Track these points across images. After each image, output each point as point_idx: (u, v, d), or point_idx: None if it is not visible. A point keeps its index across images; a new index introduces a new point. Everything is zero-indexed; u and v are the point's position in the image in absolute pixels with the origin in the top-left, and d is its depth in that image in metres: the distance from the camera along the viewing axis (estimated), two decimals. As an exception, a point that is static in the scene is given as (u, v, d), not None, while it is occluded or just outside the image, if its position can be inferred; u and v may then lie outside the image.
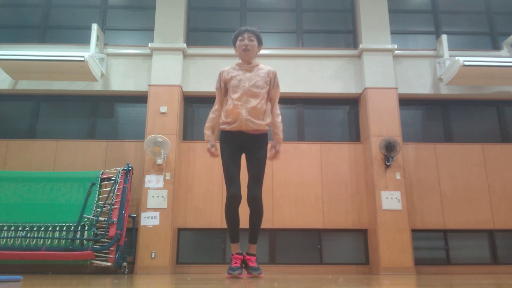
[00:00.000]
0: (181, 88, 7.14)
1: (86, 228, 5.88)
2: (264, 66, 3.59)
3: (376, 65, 7.23)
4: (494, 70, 6.75)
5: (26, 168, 6.79)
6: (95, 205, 6.09)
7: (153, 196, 6.53)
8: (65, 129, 7.33)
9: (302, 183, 6.96)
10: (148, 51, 7.34)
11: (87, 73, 6.71)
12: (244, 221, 3.50)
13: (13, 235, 5.80)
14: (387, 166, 6.69)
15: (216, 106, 3.58)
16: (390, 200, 6.57)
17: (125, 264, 6.00)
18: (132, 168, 6.51)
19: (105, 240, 5.83)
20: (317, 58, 7.49)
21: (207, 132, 3.57)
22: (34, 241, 5.77)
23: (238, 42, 3.53)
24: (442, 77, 7.26)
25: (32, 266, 6.04)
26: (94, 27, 7.14)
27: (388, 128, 6.88)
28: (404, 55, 7.49)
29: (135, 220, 6.47)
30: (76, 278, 3.98)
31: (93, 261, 5.75)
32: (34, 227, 5.87)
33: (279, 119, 3.57)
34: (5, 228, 5.86)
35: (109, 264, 5.76)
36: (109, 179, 6.40)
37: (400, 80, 7.34)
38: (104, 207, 6.06)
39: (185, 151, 7.08)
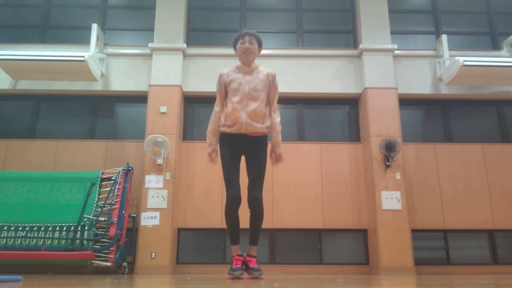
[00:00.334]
0: (181, 88, 7.15)
1: (86, 228, 5.88)
2: (263, 69, 3.59)
3: (376, 65, 7.24)
4: (494, 70, 6.75)
5: (26, 168, 6.79)
6: (95, 205, 6.09)
7: (153, 196, 6.53)
8: (65, 129, 7.33)
9: (302, 183, 6.96)
10: (148, 51, 7.34)
11: (87, 73, 6.71)
12: (244, 222, 3.50)
13: (13, 235, 5.80)
14: (387, 166, 6.69)
15: (217, 108, 3.57)
16: (390, 200, 6.57)
17: (125, 264, 6.00)
18: (132, 168, 6.51)
19: (105, 240, 5.83)
20: (317, 58, 7.49)
21: (210, 136, 3.54)
22: (34, 241, 5.77)
23: (238, 45, 3.54)
24: (442, 77, 7.26)
25: (32, 266, 6.04)
26: (94, 27, 7.14)
27: (388, 128, 6.88)
28: (404, 55, 7.49)
29: (135, 220, 6.47)
30: (76, 278, 3.98)
31: (93, 261, 5.75)
32: (34, 227, 5.87)
33: (278, 120, 3.54)
34: (5, 228, 5.86)
35: (109, 264, 5.76)
36: (109, 179, 6.40)
37: (400, 80, 7.34)
38: (104, 207, 6.06)
39: (185, 151, 7.08)
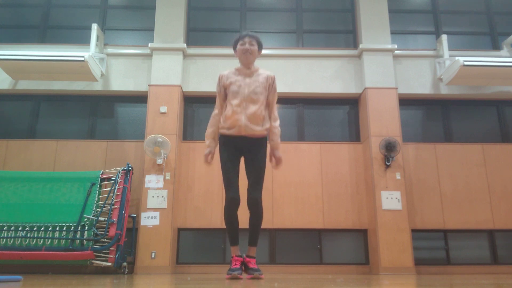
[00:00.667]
0: (181, 88, 7.15)
1: (86, 228, 5.88)
2: (263, 71, 3.58)
3: (376, 65, 7.24)
4: (494, 70, 6.75)
5: (26, 168, 6.79)
6: (95, 205, 6.09)
7: (153, 196, 6.53)
8: (65, 129, 7.33)
9: (302, 183, 6.96)
10: (148, 51, 7.34)
11: (87, 73, 6.71)
12: (243, 222, 3.50)
13: (13, 235, 5.80)
14: (387, 166, 6.69)
15: (216, 111, 3.56)
16: (390, 200, 6.57)
17: (125, 264, 6.00)
18: (132, 168, 6.51)
19: (105, 240, 5.83)
20: (317, 58, 7.49)
21: (209, 138, 3.53)
22: (34, 241, 5.77)
23: (238, 46, 3.53)
24: (442, 77, 7.26)
25: (32, 266, 6.04)
26: (94, 27, 7.14)
27: (388, 128, 6.88)
28: (404, 55, 7.49)
29: (135, 220, 6.47)
30: (76, 278, 3.98)
31: (93, 261, 5.75)
32: (34, 227, 5.87)
33: (277, 123, 3.53)
34: (5, 228, 5.86)
35: (109, 264, 5.76)
36: (109, 179, 6.40)
37: (400, 80, 7.34)
38: (104, 207, 6.06)
39: (185, 151, 7.08)
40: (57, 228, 5.86)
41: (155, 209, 6.48)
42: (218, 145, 3.56)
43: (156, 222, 6.42)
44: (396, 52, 7.42)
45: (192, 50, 7.46)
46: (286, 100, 7.37)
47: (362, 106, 7.25)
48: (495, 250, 6.78)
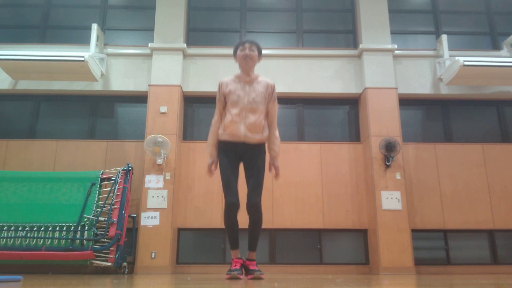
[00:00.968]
0: (181, 88, 7.15)
1: (86, 228, 5.88)
2: (262, 79, 3.56)
3: (376, 65, 7.24)
4: (494, 70, 6.75)
5: (26, 168, 6.79)
6: (95, 205, 6.09)
7: (153, 196, 6.53)
8: (65, 129, 7.33)
9: (302, 183, 6.96)
10: (148, 51, 7.34)
11: (87, 73, 6.71)
12: (242, 223, 3.49)
13: (13, 235, 5.80)
14: (387, 166, 6.69)
15: (216, 117, 3.56)
16: (390, 200, 6.57)
17: (125, 264, 6.00)
18: (132, 168, 6.51)
19: (105, 240, 5.83)
20: (317, 58, 7.49)
21: (211, 148, 3.53)
22: (34, 241, 5.77)
23: (238, 52, 3.51)
24: (442, 77, 7.26)
25: (32, 266, 6.04)
26: (94, 27, 7.14)
27: (388, 128, 6.88)
28: (404, 55, 7.49)
29: (135, 220, 6.47)
30: (76, 278, 3.99)
31: (93, 261, 5.75)
32: (34, 227, 5.87)
33: (277, 133, 3.55)
34: (5, 228, 5.86)
35: (109, 264, 5.76)
36: (109, 179, 6.40)
37: (400, 80, 7.34)
38: (104, 207, 6.06)
39: (185, 151, 7.08)
40: (57, 228, 5.86)
41: (155, 209, 6.48)
42: (217, 150, 3.55)
43: (156, 222, 6.42)
44: (396, 52, 7.42)
45: (192, 50, 7.46)
46: (286, 100, 7.37)
47: (362, 106, 7.25)
48: (495, 250, 6.78)
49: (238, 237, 3.51)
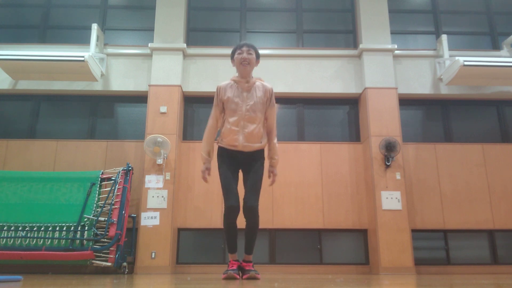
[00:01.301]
0: (181, 88, 7.14)
1: (86, 228, 5.88)
2: (260, 84, 3.52)
3: (376, 65, 7.23)
4: (494, 70, 6.75)
5: (26, 168, 6.79)
6: (95, 205, 6.09)
7: (153, 196, 6.53)
8: (65, 129, 7.33)
9: (302, 183, 6.96)
10: (148, 51, 7.34)
11: (87, 73, 6.71)
12: (240, 223, 3.48)
13: (13, 235, 5.80)
14: (387, 166, 6.69)
15: (211, 122, 3.51)
16: (390, 200, 6.56)
17: (125, 264, 6.00)
18: (132, 168, 6.51)
19: (105, 240, 5.83)
20: (317, 58, 7.49)
21: (204, 154, 3.50)
22: (34, 241, 5.77)
23: (236, 55, 3.47)
24: (442, 77, 7.26)
25: (32, 266, 6.04)
26: (94, 27, 7.14)
27: (388, 128, 6.88)
28: (404, 55, 7.49)
29: (135, 220, 6.47)
30: (76, 278, 3.99)
31: (93, 261, 5.75)
32: (34, 227, 5.87)
33: (275, 140, 3.53)
34: (5, 228, 5.86)
35: (109, 264, 5.76)
36: (109, 179, 6.40)
37: (400, 80, 7.34)
38: (104, 207, 6.06)
39: (185, 151, 7.08)
40: (57, 228, 5.86)
41: (155, 209, 6.48)
42: (216, 155, 3.53)
43: (156, 222, 6.42)
44: (396, 52, 7.42)
45: (192, 50, 7.46)
46: (286, 100, 7.37)
47: (362, 106, 7.25)
48: (495, 250, 6.78)
49: (236, 242, 3.50)
